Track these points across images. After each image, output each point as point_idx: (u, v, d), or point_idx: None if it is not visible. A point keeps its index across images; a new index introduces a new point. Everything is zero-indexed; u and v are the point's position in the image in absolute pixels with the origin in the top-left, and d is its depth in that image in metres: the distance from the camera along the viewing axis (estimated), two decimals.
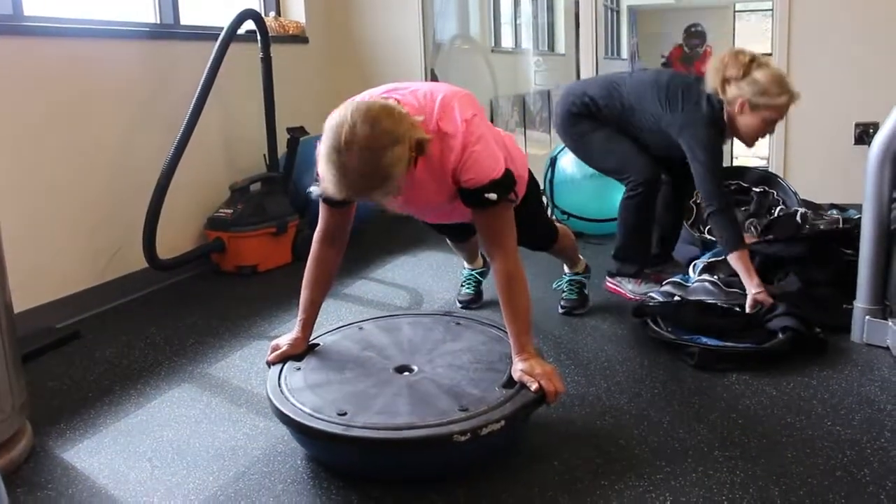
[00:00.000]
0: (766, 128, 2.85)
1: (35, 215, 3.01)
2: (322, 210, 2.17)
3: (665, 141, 2.97)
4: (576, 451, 2.01)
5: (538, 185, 2.71)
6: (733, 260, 2.78)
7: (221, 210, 3.81)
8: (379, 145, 1.78)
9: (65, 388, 2.52)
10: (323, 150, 1.81)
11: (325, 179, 1.83)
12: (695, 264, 3.19)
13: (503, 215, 2.08)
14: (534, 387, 1.94)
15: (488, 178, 2.02)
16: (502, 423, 1.84)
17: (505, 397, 1.92)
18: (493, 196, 2.02)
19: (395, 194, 1.87)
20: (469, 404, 1.89)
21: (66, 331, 2.97)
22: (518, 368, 2.00)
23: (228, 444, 2.12)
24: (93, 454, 2.09)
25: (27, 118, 2.97)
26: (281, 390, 2.01)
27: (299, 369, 2.12)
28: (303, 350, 2.20)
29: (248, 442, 2.12)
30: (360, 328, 2.38)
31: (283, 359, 2.16)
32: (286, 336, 2.24)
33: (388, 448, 1.81)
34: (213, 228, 3.78)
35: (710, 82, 2.86)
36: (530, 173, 2.60)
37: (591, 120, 3.11)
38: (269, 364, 2.17)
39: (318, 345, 2.26)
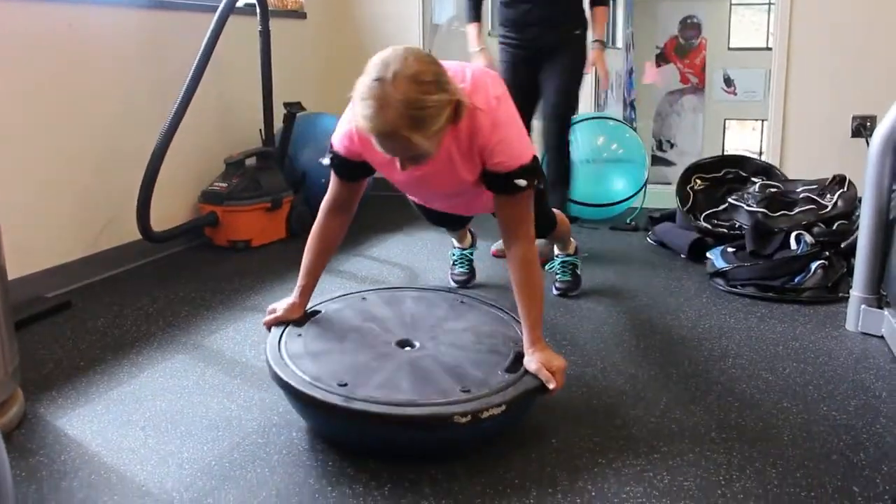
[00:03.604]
0: None
1: (27, 183, 2.97)
2: (333, 181, 2.15)
3: None
4: (574, 430, 2.00)
5: (543, 172, 2.68)
6: None
7: (216, 184, 3.78)
8: (427, 82, 1.72)
9: (56, 356, 2.49)
10: (362, 83, 1.73)
11: (359, 115, 1.74)
12: (724, 250, 3.28)
13: (527, 203, 2.04)
14: (552, 385, 1.91)
15: (518, 163, 1.97)
16: (503, 407, 1.82)
17: (507, 382, 1.90)
18: (522, 182, 1.97)
19: (426, 154, 1.81)
20: (471, 386, 1.87)
21: (58, 300, 2.94)
22: (536, 359, 1.95)
23: (223, 415, 2.10)
24: (85, 422, 2.07)
25: (20, 85, 2.92)
26: (281, 355, 1.98)
27: (300, 335, 2.09)
28: (299, 316, 2.18)
29: (242, 413, 2.11)
30: (364, 298, 2.35)
31: (278, 322, 2.14)
32: (284, 301, 2.21)
33: (389, 423, 1.78)
34: (207, 202, 3.74)
35: None
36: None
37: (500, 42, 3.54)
38: (267, 327, 2.14)
39: (318, 312, 2.23)
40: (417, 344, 2.08)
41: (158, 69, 3.54)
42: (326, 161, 2.13)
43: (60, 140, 3.10)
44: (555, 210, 2.91)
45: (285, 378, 1.88)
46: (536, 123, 3.51)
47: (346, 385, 1.84)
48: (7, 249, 2.11)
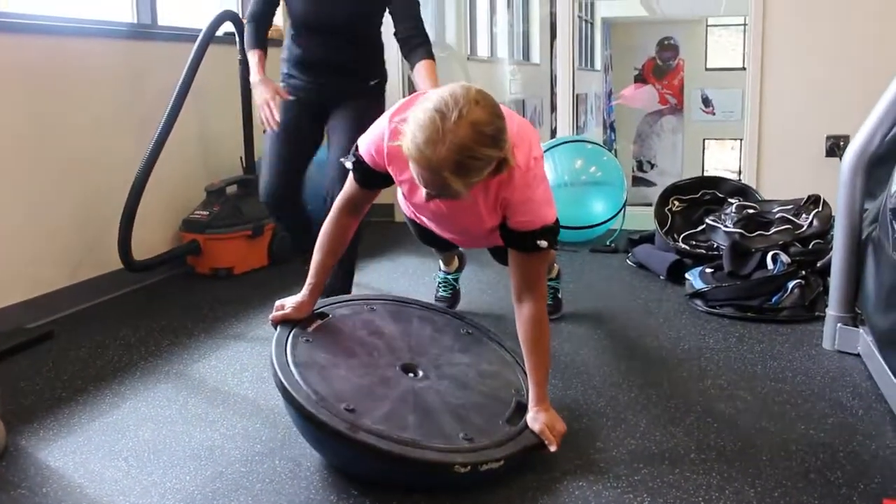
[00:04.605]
0: None
1: (7, 213, 2.97)
2: (350, 183, 2.16)
3: None
4: (555, 453, 2.01)
5: (559, 223, 2.66)
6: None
7: (197, 212, 3.79)
8: (486, 134, 1.71)
9: (38, 387, 2.49)
10: (424, 109, 1.72)
11: (410, 138, 1.73)
12: (702, 271, 3.30)
13: (544, 261, 2.06)
14: (553, 448, 1.94)
15: (541, 224, 1.97)
16: (501, 462, 1.85)
17: (508, 436, 1.93)
18: (544, 243, 1.98)
19: (456, 195, 1.81)
20: (473, 434, 1.89)
21: (39, 331, 2.93)
22: (541, 420, 1.98)
23: (205, 445, 2.10)
24: (67, 453, 2.07)
25: (1, 115, 2.93)
26: (286, 362, 1.95)
27: (308, 341, 2.07)
28: (307, 315, 2.16)
29: (225, 442, 2.11)
30: (372, 309, 2.33)
31: (285, 320, 2.12)
32: (292, 298, 2.18)
33: (391, 461, 1.79)
34: (189, 230, 3.76)
35: None
36: None
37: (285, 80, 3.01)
38: (273, 324, 2.13)
39: (326, 315, 2.21)
40: (421, 372, 2.09)
41: (139, 99, 3.56)
42: (349, 164, 2.14)
43: (40, 170, 3.11)
44: None
45: (291, 390, 1.86)
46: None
47: (352, 410, 1.84)
48: None
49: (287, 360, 1.96)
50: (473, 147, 1.70)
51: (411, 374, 2.07)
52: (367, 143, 2.08)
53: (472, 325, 2.43)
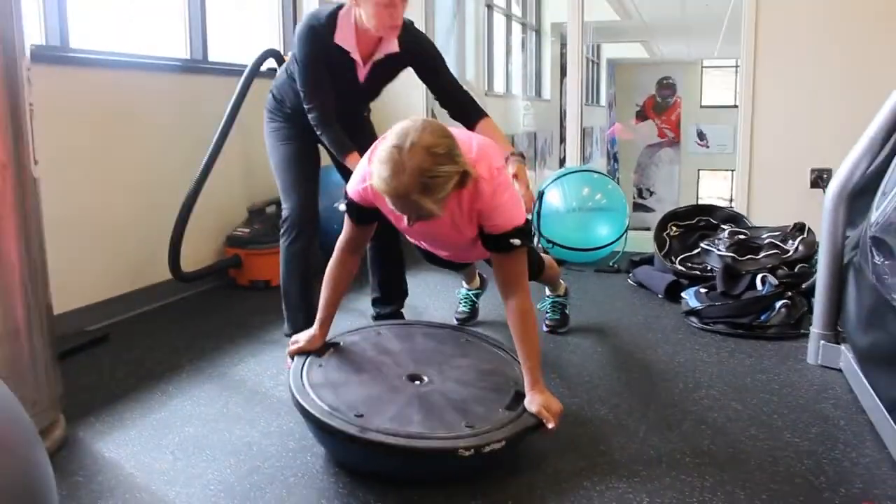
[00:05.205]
0: (385, 11, 2.46)
1: (72, 227, 3.00)
2: (347, 224, 2.20)
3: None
4: (561, 455, 2.01)
5: (530, 222, 2.69)
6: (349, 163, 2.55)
7: (239, 229, 3.83)
8: (439, 154, 1.78)
9: (94, 385, 2.50)
10: (382, 147, 1.80)
11: (376, 176, 1.81)
12: (697, 291, 3.28)
13: (521, 259, 2.08)
14: (551, 425, 1.93)
15: (512, 225, 2.02)
16: (503, 443, 1.85)
17: (507, 419, 1.93)
18: (517, 242, 2.02)
19: (432, 214, 1.85)
20: (474, 422, 1.89)
21: (97, 334, 2.96)
22: (537, 402, 1.98)
23: (244, 440, 2.11)
24: (120, 446, 2.08)
25: (69, 139, 2.97)
26: (303, 384, 1.99)
27: (321, 366, 2.10)
28: (319, 346, 2.19)
29: (262, 439, 2.12)
30: (378, 333, 2.36)
31: (300, 353, 2.16)
32: (305, 332, 2.22)
33: (399, 454, 1.79)
34: (232, 246, 3.79)
35: None
36: None
37: (283, 119, 2.84)
38: (290, 356, 2.16)
39: (338, 344, 2.24)
40: (426, 378, 2.09)
41: (191, 126, 3.59)
42: (342, 207, 2.18)
43: (103, 189, 3.15)
44: (543, 255, 2.94)
45: (307, 407, 1.90)
46: None
47: (361, 416, 1.85)
48: (53, 288, 2.14)
49: (303, 383, 2.00)
50: (431, 168, 1.77)
51: (417, 382, 2.08)
52: (353, 186, 2.13)
53: (472, 335, 2.44)
